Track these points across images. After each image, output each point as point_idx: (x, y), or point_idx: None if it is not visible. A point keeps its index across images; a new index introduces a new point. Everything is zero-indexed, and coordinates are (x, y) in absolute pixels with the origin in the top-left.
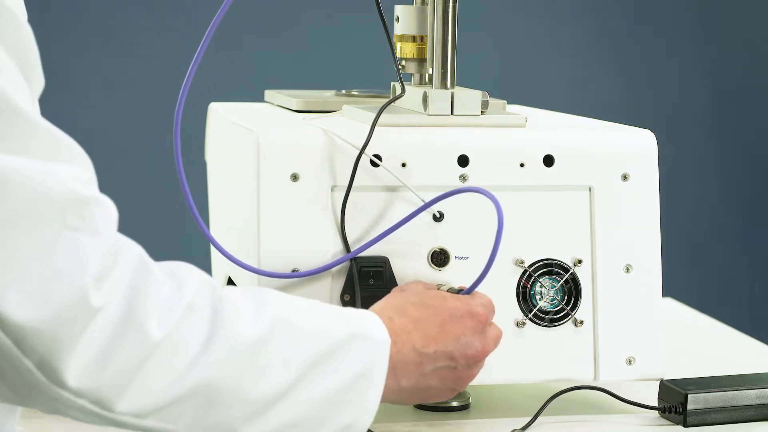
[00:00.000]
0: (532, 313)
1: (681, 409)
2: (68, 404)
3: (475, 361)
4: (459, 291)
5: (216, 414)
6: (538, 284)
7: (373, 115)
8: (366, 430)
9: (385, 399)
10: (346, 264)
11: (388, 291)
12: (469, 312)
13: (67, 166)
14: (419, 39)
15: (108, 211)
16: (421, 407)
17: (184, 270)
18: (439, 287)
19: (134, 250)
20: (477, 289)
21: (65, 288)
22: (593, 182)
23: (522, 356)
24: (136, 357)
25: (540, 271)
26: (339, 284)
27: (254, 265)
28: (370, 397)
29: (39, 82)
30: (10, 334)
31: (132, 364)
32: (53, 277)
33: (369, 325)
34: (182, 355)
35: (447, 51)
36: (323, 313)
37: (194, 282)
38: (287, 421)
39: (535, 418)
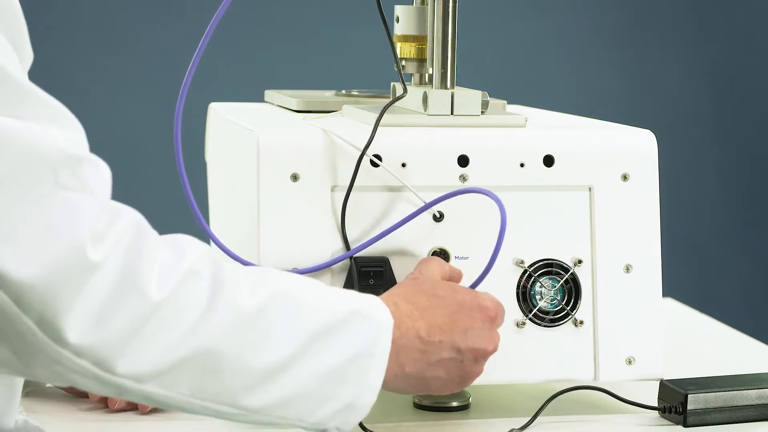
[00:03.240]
0: (532, 313)
1: (681, 409)
2: (69, 366)
3: (482, 356)
4: None
5: (216, 382)
6: (538, 284)
7: (374, 115)
8: (369, 409)
9: (388, 383)
10: (347, 264)
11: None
12: (479, 306)
13: (60, 130)
14: (419, 39)
15: (101, 171)
16: (421, 407)
17: (185, 239)
18: None
19: (132, 214)
20: (477, 289)
21: (60, 244)
22: (593, 182)
23: (522, 356)
24: (136, 316)
25: (540, 271)
26: (339, 284)
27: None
28: (372, 375)
29: (28, 55)
30: (9, 291)
31: (132, 323)
32: (47, 233)
33: (372, 306)
34: (182, 319)
35: (447, 51)
36: (326, 291)
37: (195, 249)
38: (288, 393)
39: (534, 418)
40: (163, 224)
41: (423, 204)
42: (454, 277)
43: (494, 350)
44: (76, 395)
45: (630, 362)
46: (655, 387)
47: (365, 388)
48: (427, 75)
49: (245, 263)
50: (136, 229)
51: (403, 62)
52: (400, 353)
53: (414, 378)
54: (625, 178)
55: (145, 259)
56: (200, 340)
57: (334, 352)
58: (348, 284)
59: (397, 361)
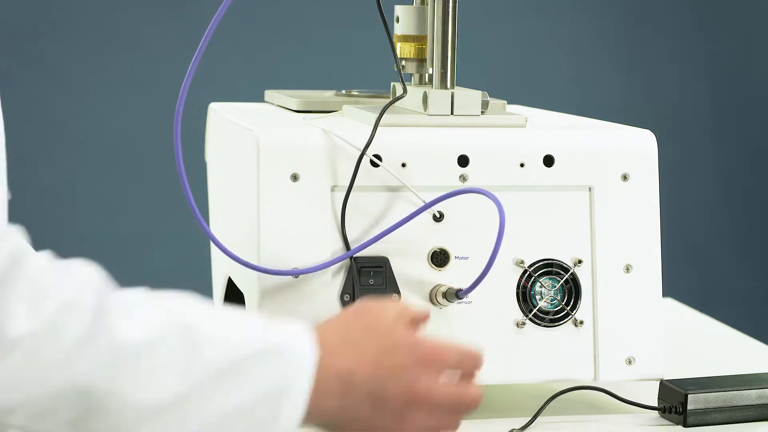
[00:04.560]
0: (532, 313)
1: (681, 409)
2: None
3: (412, 403)
4: (458, 291)
5: (98, 418)
6: (538, 284)
7: (374, 115)
8: None
9: (309, 419)
10: (347, 264)
11: (388, 291)
12: (416, 347)
13: None
14: (419, 39)
15: None
16: None
17: (75, 266)
18: (438, 287)
19: (12, 240)
20: (476, 290)
21: None
22: (593, 182)
23: (522, 356)
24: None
25: (540, 271)
26: (339, 284)
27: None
28: (287, 415)
29: None
30: None
31: None
32: None
33: (294, 340)
34: (54, 352)
35: (447, 51)
36: (241, 324)
37: (81, 278)
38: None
39: (535, 418)
40: (163, 224)
41: (423, 204)
42: (418, 319)
43: (426, 398)
44: None
45: (630, 362)
46: (655, 387)
47: (279, 430)
48: (427, 75)
49: (245, 263)
50: (11, 256)
51: (403, 62)
52: (319, 390)
53: (335, 415)
54: (625, 178)
55: (15, 289)
56: (74, 373)
57: (241, 392)
58: (348, 284)
59: (316, 397)
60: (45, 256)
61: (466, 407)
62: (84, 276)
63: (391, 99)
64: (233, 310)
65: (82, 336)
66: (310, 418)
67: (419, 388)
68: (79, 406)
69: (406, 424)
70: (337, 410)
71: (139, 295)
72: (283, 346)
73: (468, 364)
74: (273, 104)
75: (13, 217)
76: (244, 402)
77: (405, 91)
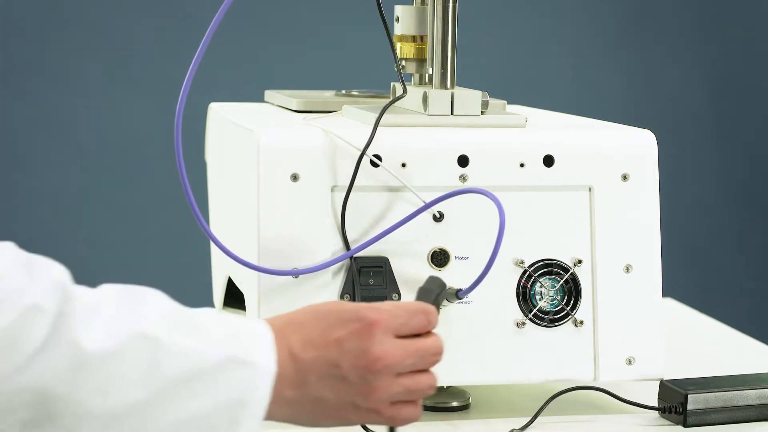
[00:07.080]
0: (532, 313)
1: (681, 409)
2: None
3: (369, 372)
4: (458, 291)
5: (54, 422)
6: (538, 284)
7: (374, 116)
8: None
9: (272, 415)
10: (347, 264)
11: (388, 291)
12: (356, 316)
13: None
14: (419, 39)
15: None
16: None
17: (40, 266)
18: None
19: None
20: (476, 290)
21: None
22: (593, 182)
23: (522, 356)
24: None
25: (540, 271)
26: (339, 284)
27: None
28: (246, 425)
29: None
30: None
31: None
32: None
33: (256, 348)
34: (14, 355)
35: (447, 51)
36: (207, 330)
37: (46, 281)
38: None
39: (535, 418)
40: (163, 224)
41: (423, 204)
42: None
43: (383, 360)
44: None
45: (630, 362)
46: (655, 387)
47: None
48: (427, 75)
49: (245, 263)
50: None
51: (403, 62)
52: (277, 396)
53: (297, 402)
54: (625, 178)
55: None
56: (31, 378)
57: (200, 401)
58: (348, 284)
59: (272, 406)
60: (9, 251)
61: (432, 359)
62: (48, 278)
63: (391, 99)
64: (199, 313)
65: (43, 342)
66: (276, 411)
67: (374, 354)
68: (37, 408)
69: (375, 395)
70: (298, 396)
71: (104, 297)
72: (245, 356)
73: (418, 320)
74: (273, 104)
75: (13, 217)
76: (203, 412)
77: (405, 91)
